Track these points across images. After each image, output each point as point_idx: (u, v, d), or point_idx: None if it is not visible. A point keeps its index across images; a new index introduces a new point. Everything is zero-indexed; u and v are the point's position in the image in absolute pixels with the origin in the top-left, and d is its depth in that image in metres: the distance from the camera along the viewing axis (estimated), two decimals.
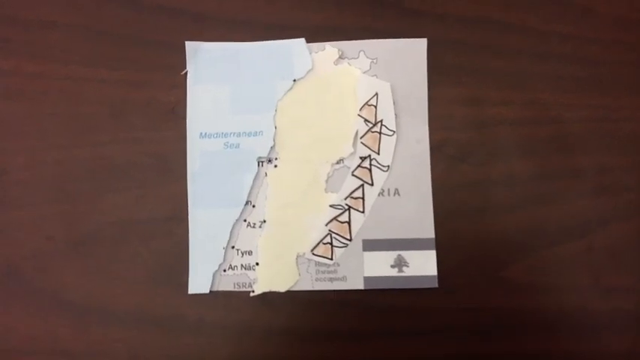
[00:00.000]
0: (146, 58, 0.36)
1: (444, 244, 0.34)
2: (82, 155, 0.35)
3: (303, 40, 0.35)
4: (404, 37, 0.35)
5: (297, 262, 0.34)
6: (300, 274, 0.34)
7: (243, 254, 0.34)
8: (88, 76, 0.36)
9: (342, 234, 0.34)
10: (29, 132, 0.36)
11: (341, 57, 0.35)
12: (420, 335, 0.33)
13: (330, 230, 0.34)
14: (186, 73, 0.36)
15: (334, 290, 0.34)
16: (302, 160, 0.35)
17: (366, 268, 0.34)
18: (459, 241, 0.34)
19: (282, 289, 0.34)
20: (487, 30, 0.36)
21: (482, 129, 0.35)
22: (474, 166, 0.34)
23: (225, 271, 0.34)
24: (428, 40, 0.35)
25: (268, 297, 0.34)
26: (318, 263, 0.34)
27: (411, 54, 0.35)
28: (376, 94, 0.35)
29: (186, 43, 0.36)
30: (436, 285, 0.33)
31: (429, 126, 0.35)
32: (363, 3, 0.36)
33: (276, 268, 0.34)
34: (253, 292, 0.34)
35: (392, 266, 0.34)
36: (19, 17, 0.37)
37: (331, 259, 0.34)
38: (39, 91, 0.36)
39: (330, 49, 0.35)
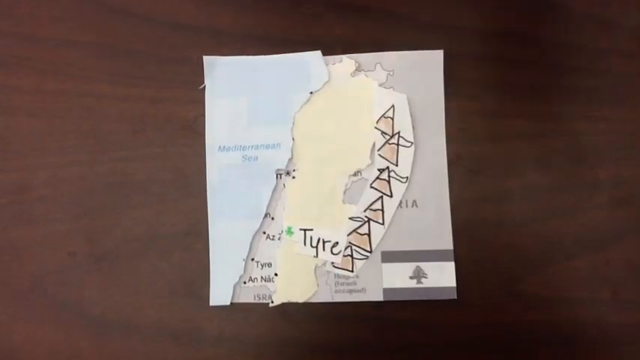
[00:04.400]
0: (164, 74, 0.36)
1: (461, 256, 0.34)
2: (102, 171, 0.36)
3: (319, 52, 0.36)
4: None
5: (315, 273, 0.34)
6: (318, 285, 0.34)
7: (262, 266, 0.35)
8: (108, 93, 0.36)
9: (362, 246, 0.34)
10: (51, 149, 0.36)
11: (357, 69, 0.36)
12: (437, 349, 0.33)
13: (350, 242, 0.34)
14: (204, 88, 0.36)
15: (353, 302, 0.34)
16: (320, 172, 0.35)
17: (385, 280, 0.34)
18: (475, 254, 0.34)
19: (301, 299, 0.34)
20: (502, 42, 0.36)
21: (498, 141, 0.35)
22: (490, 178, 0.35)
23: (245, 283, 0.34)
24: (444, 53, 0.35)
25: (288, 310, 0.34)
26: (337, 275, 0.34)
27: (428, 66, 0.35)
28: (393, 106, 0.35)
29: (204, 57, 0.36)
30: (455, 296, 0.34)
31: (445, 139, 0.35)
32: (379, 17, 0.36)
33: (295, 279, 0.34)
34: (272, 302, 0.34)
35: (411, 278, 0.34)
36: (38, 36, 0.37)
37: (352, 271, 0.34)
38: (60, 108, 0.36)
39: (346, 61, 0.36)
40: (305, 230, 0.34)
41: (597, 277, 0.34)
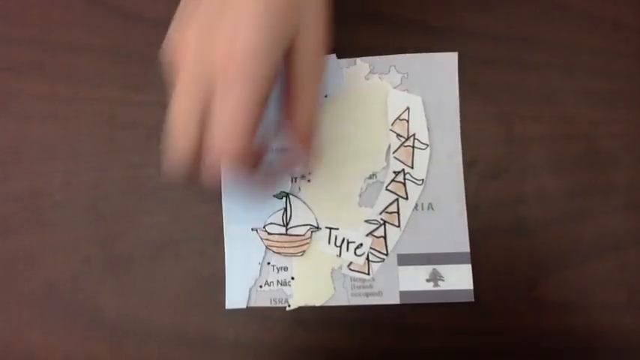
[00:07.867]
0: None
1: (477, 259, 0.34)
2: (116, 177, 0.36)
3: (334, 55, 0.36)
4: None
5: (332, 276, 0.34)
6: (335, 289, 0.34)
7: (278, 270, 0.34)
8: (120, 99, 0.36)
9: (378, 249, 0.34)
10: (65, 154, 0.36)
11: (372, 72, 0.36)
12: (453, 351, 0.33)
13: None
14: None
15: (369, 306, 0.34)
16: (335, 175, 0.35)
17: (402, 283, 0.34)
18: (492, 257, 0.34)
19: (318, 303, 0.34)
20: (516, 45, 0.36)
21: (512, 145, 0.35)
22: (505, 182, 0.34)
23: (261, 287, 0.34)
24: (458, 55, 0.35)
25: (304, 314, 0.34)
26: (353, 278, 0.34)
27: (442, 68, 0.35)
28: (408, 108, 0.35)
29: None
30: (472, 299, 0.33)
31: (461, 141, 0.35)
32: (392, 23, 0.36)
33: (311, 282, 0.34)
34: (289, 306, 0.34)
35: (427, 280, 0.34)
36: (51, 42, 0.37)
37: (368, 273, 0.34)
38: (73, 113, 0.36)
39: (361, 64, 0.36)
40: (330, 229, 0.34)
41: (613, 281, 0.34)
